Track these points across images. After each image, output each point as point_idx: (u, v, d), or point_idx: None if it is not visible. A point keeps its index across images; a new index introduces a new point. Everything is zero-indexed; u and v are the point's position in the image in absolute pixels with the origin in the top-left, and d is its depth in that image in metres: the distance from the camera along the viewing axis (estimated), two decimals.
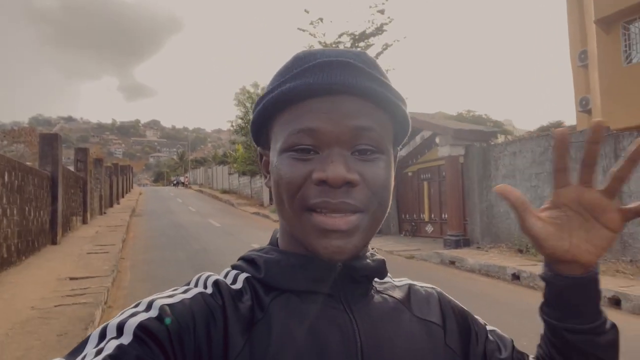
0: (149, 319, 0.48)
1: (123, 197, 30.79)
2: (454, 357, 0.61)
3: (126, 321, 0.47)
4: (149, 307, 0.50)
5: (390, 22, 19.74)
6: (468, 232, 11.35)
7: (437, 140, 11.70)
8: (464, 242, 10.97)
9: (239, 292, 0.56)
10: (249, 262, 0.60)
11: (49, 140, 10.90)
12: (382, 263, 0.61)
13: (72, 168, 15.46)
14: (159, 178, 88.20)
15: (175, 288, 0.55)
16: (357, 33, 19.34)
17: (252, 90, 29.98)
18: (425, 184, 14.12)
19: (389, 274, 0.65)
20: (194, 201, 29.67)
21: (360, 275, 0.58)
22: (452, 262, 9.13)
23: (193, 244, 11.79)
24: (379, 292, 0.62)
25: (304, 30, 19.69)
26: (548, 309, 0.60)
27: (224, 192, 35.55)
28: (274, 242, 0.62)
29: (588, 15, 13.53)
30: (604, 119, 7.09)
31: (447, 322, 0.63)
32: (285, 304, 0.55)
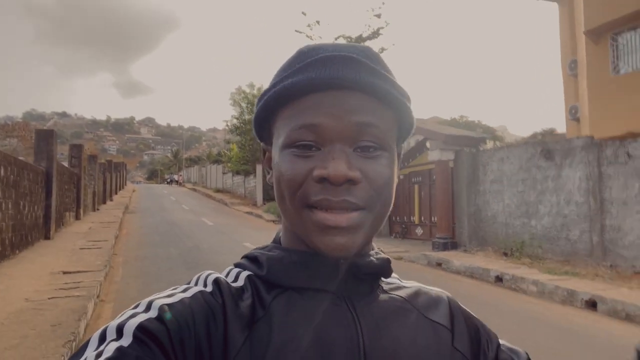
0: (148, 319, 0.48)
1: (116, 194, 30.81)
2: (464, 356, 0.60)
3: (125, 322, 0.48)
4: (148, 307, 0.50)
5: (386, 26, 20.02)
6: (456, 235, 11.57)
7: (428, 144, 11.93)
8: (451, 244, 11.19)
9: (240, 290, 0.55)
10: (251, 260, 0.60)
11: (44, 136, 11.01)
12: (387, 262, 0.60)
13: (65, 164, 15.55)
14: (153, 176, 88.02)
15: (174, 287, 0.55)
16: (353, 36, 19.59)
17: (247, 90, 30.16)
18: (416, 187, 14.34)
19: (397, 276, 0.65)
20: (188, 199, 29.75)
21: (364, 273, 0.57)
22: (439, 264, 9.34)
23: (186, 242, 11.92)
24: (385, 291, 0.61)
25: (300, 32, 19.93)
26: None
27: (218, 191, 35.63)
28: (277, 240, 0.62)
29: (578, 26, 13.83)
30: (593, 128, 7.39)
31: (456, 325, 0.62)
32: (287, 301, 0.54)
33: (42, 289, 6.02)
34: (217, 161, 40.88)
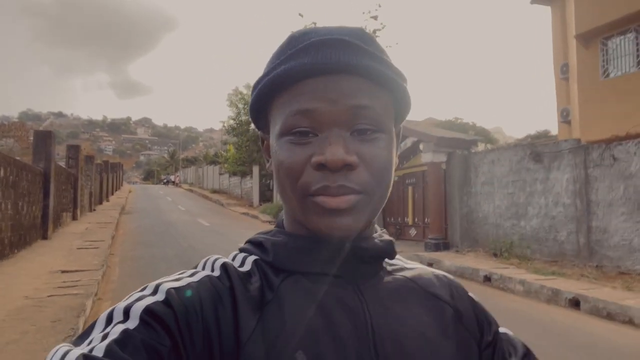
0: (155, 302, 0.48)
1: (113, 194, 30.89)
2: (467, 337, 0.61)
3: (132, 305, 0.48)
4: (155, 290, 0.50)
5: (382, 28, 20.23)
6: (449, 236, 11.77)
7: (421, 147, 12.13)
8: (443, 245, 11.38)
9: (248, 274, 0.56)
10: (256, 245, 0.60)
11: (42, 137, 11.15)
12: (391, 244, 0.60)
13: (62, 164, 15.66)
14: (149, 176, 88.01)
15: (182, 271, 0.56)
16: None
17: (244, 91, 30.29)
18: (410, 188, 14.53)
19: (400, 257, 0.65)
20: (184, 200, 29.86)
21: (368, 255, 0.57)
22: (430, 264, 9.52)
23: (182, 242, 12.06)
24: (388, 272, 0.61)
25: None
26: None
27: (214, 191, 35.75)
28: (280, 224, 0.62)
29: (570, 30, 14.08)
30: (583, 131, 7.61)
31: (459, 304, 0.63)
32: (294, 285, 0.55)
33: (41, 287, 6.17)
34: (213, 162, 41.00)
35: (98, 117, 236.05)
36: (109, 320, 0.48)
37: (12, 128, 38.20)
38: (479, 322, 0.63)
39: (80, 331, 4.01)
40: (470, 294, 0.67)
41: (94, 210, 20.33)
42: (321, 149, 0.51)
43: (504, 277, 7.59)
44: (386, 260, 0.61)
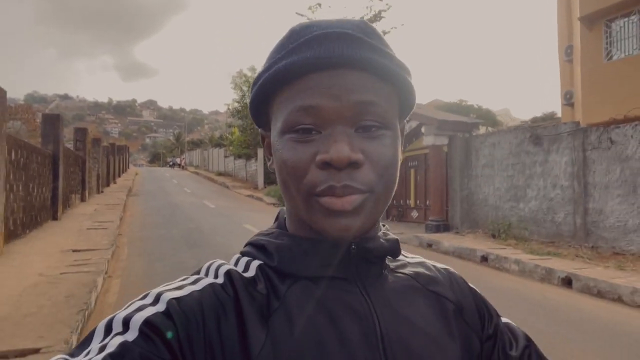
0: (155, 313, 0.47)
1: (119, 176, 31.26)
2: (469, 332, 0.61)
3: (132, 316, 0.47)
4: (156, 300, 0.49)
5: (388, 8, 20.12)
6: (449, 218, 11.97)
7: (423, 130, 12.25)
8: (444, 227, 11.59)
9: (253, 280, 0.54)
10: (259, 248, 0.58)
11: (51, 120, 11.37)
12: (396, 242, 0.60)
13: (69, 146, 15.92)
14: (155, 159, 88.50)
15: (184, 277, 0.55)
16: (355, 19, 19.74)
17: (249, 74, 30.33)
18: (412, 171, 14.69)
19: (403, 252, 0.64)
20: (190, 182, 30.18)
21: (374, 256, 0.57)
22: (430, 245, 9.76)
23: (188, 223, 12.34)
24: (392, 270, 0.61)
25: (302, 15, 20.05)
26: None
27: (220, 174, 36.04)
28: (281, 224, 0.61)
29: (574, 11, 13.99)
30: (586, 113, 7.79)
31: (461, 299, 0.63)
32: (301, 291, 0.54)
33: (54, 265, 6.46)
34: (219, 145, 41.22)
35: (104, 99, 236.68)
36: (108, 330, 0.47)
37: (18, 110, 38.49)
38: (480, 314, 0.63)
39: (91, 306, 4.29)
40: (470, 285, 0.66)
41: (102, 192, 20.68)
42: (326, 147, 0.49)
43: (500, 257, 7.81)
44: (389, 257, 0.61)
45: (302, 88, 0.51)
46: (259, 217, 13.96)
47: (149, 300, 0.50)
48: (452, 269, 0.68)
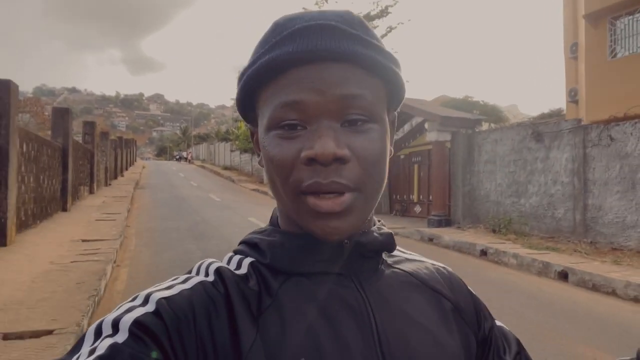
0: (145, 314, 0.47)
1: (127, 169, 31.59)
2: (467, 331, 0.60)
3: (122, 317, 0.47)
4: (145, 300, 0.49)
5: (395, 4, 20.11)
6: (451, 213, 12.10)
7: (426, 126, 12.37)
8: (445, 222, 11.73)
9: (244, 277, 0.54)
10: (251, 246, 0.58)
11: (60, 113, 11.61)
12: (390, 236, 0.59)
13: (77, 139, 16.18)
14: (162, 152, 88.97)
15: (175, 277, 0.54)
16: (361, 15, 19.76)
17: None
18: (416, 166, 14.81)
19: (399, 248, 0.64)
20: (196, 176, 30.45)
21: (369, 250, 0.56)
22: (431, 239, 9.91)
23: (194, 216, 12.56)
24: (389, 265, 0.60)
25: (308, 10, 20.13)
26: None
27: (226, 168, 36.31)
28: (274, 222, 0.60)
29: (579, 9, 14.00)
30: (590, 110, 7.95)
31: (459, 298, 0.62)
32: (294, 287, 0.53)
33: (65, 254, 6.68)
34: (225, 139, 41.43)
35: (111, 92, 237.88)
36: (98, 333, 0.46)
37: (27, 103, 38.90)
38: (478, 316, 0.63)
39: (101, 292, 4.53)
40: (469, 288, 0.66)
41: (110, 184, 20.96)
42: (310, 143, 0.48)
43: (499, 251, 7.95)
44: (386, 252, 0.60)
45: (286, 83, 0.50)
46: (264, 210, 14.15)
47: (138, 301, 0.49)
48: (450, 269, 0.67)
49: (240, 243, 0.60)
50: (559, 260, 7.13)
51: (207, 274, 0.54)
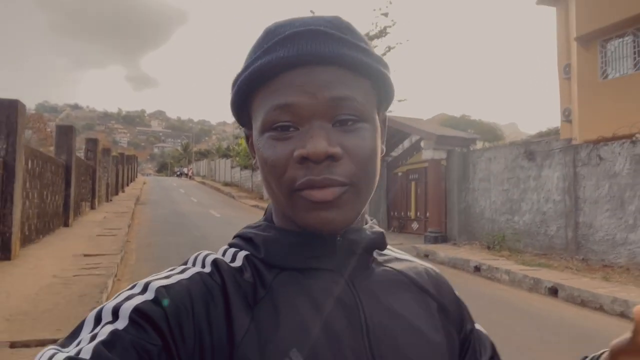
0: (144, 301, 0.48)
1: (128, 185, 31.81)
2: (451, 331, 0.62)
3: (122, 305, 0.47)
4: (145, 289, 0.50)
5: (393, 25, 20.54)
6: (447, 230, 12.27)
7: (422, 144, 12.63)
8: (442, 238, 11.90)
9: (239, 269, 0.55)
10: (246, 240, 0.60)
11: (64, 131, 11.88)
12: (382, 235, 0.61)
13: (79, 154, 16.44)
14: (163, 168, 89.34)
15: (172, 268, 0.55)
16: None
17: None
18: (413, 183, 15.03)
19: (391, 247, 0.66)
20: (196, 192, 30.65)
21: (360, 247, 0.58)
22: (426, 255, 10.08)
23: (194, 231, 12.73)
24: (379, 263, 0.62)
25: None
26: None
27: (226, 184, 36.55)
28: (269, 218, 0.62)
29: (572, 31, 14.40)
30: (582, 130, 8.28)
31: (444, 298, 0.64)
32: (288, 280, 0.54)
33: (67, 268, 6.86)
34: (225, 155, 41.79)
35: (113, 109, 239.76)
36: (98, 320, 0.47)
37: (30, 120, 39.29)
38: (460, 317, 0.65)
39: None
40: (455, 290, 0.68)
41: (111, 200, 21.16)
42: (303, 142, 0.50)
43: (492, 268, 8.12)
44: (377, 251, 0.62)
45: (277, 87, 0.52)
46: None
47: (137, 289, 0.50)
48: (437, 270, 0.69)
49: (235, 237, 0.62)
50: (550, 276, 7.29)
51: (203, 265, 0.55)
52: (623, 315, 5.79)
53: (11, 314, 4.51)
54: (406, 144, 15.61)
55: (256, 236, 0.59)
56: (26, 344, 3.73)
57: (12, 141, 7.20)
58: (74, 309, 4.76)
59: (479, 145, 12.98)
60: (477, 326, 0.69)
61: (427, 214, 13.99)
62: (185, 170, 58.45)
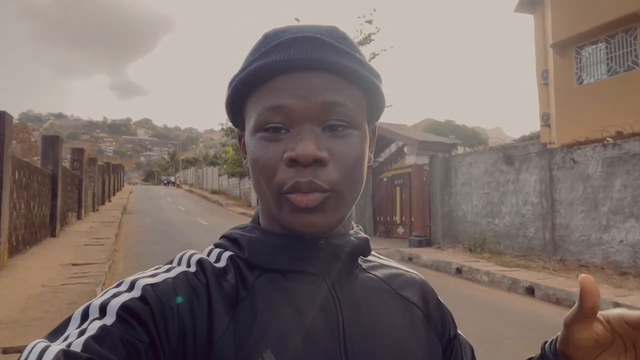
0: (131, 299, 0.48)
1: (114, 195, 31.63)
2: (434, 339, 0.63)
3: (109, 302, 0.48)
4: (131, 287, 0.50)
5: (377, 32, 20.88)
6: (432, 234, 12.53)
7: (406, 150, 12.91)
8: (426, 242, 12.15)
9: (223, 270, 0.56)
10: (231, 241, 0.60)
11: (50, 141, 11.93)
12: (366, 241, 0.62)
13: (65, 164, 16.41)
14: (150, 177, 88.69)
15: (158, 267, 0.56)
16: None
17: None
18: (398, 188, 15.29)
19: (375, 253, 0.67)
20: (184, 200, 30.62)
21: (343, 252, 0.58)
22: (410, 259, 10.31)
23: (181, 240, 12.80)
24: (364, 270, 0.62)
25: None
26: None
27: (214, 192, 36.52)
28: (256, 220, 0.63)
29: (549, 38, 14.85)
30: (559, 134, 8.65)
31: (429, 306, 0.65)
32: (269, 282, 0.55)
33: (55, 277, 6.94)
34: (213, 163, 41.76)
35: (98, 118, 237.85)
36: (85, 316, 0.48)
37: (13, 130, 38.73)
38: (444, 324, 0.66)
39: None
40: (439, 297, 0.68)
41: (97, 210, 21.09)
42: (293, 145, 0.51)
43: (472, 269, 8.37)
44: (362, 257, 0.62)
45: (272, 89, 0.54)
46: None
47: (124, 287, 0.51)
48: (422, 277, 0.70)
49: (222, 237, 0.63)
50: (527, 276, 7.56)
51: (189, 265, 0.56)
52: None
53: (2, 322, 4.62)
54: (393, 147, 15.90)
55: (242, 237, 0.60)
56: (18, 350, 3.85)
57: None
58: (64, 316, 4.74)
59: (461, 150, 13.30)
60: (460, 333, 0.70)
61: (412, 219, 14.26)
62: (172, 178, 58.19)
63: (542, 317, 5.98)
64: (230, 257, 0.58)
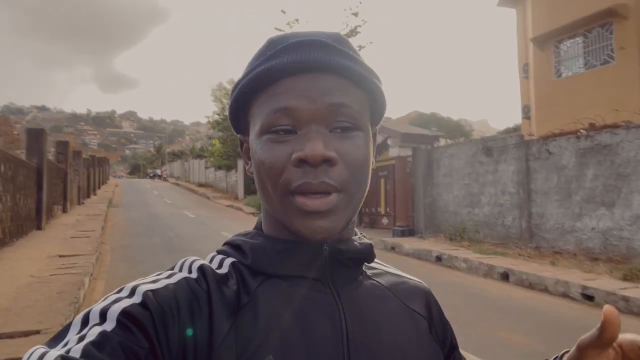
0: (132, 305, 0.48)
1: (99, 188, 31.46)
2: (436, 350, 0.62)
3: (109, 307, 0.48)
4: (132, 292, 0.50)
5: (364, 24, 21.01)
6: (414, 224, 12.83)
7: (389, 142, 13.16)
8: (408, 232, 12.45)
9: (225, 276, 0.56)
10: (234, 247, 0.60)
11: (35, 134, 11.93)
12: (370, 247, 0.61)
13: (50, 158, 16.36)
14: (135, 170, 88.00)
15: (159, 273, 0.56)
16: None
17: (228, 87, 31.07)
18: (382, 180, 15.56)
19: (379, 261, 0.67)
20: (170, 193, 30.57)
21: (347, 258, 0.58)
22: (393, 248, 10.60)
23: (167, 232, 12.92)
24: (368, 277, 0.62)
25: (280, 30, 20.92)
26: None
27: (200, 185, 36.49)
28: (258, 227, 0.63)
29: (529, 32, 15.17)
30: (539, 126, 9.00)
31: (432, 316, 0.65)
32: (272, 288, 0.55)
33: (44, 269, 7.06)
34: (199, 156, 41.68)
35: (82, 110, 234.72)
36: (85, 322, 0.48)
37: None
38: (445, 335, 0.66)
39: (80, 300, 5.03)
40: (439, 305, 0.69)
41: (83, 203, 21.03)
42: (301, 145, 0.52)
43: (451, 257, 8.68)
44: (366, 264, 0.62)
45: (279, 91, 0.54)
46: (237, 225, 14.58)
47: (124, 293, 0.51)
48: (425, 285, 0.69)
49: (225, 244, 0.62)
50: (503, 263, 7.88)
51: (190, 271, 0.55)
52: (565, 295, 6.38)
53: None
54: (378, 140, 16.08)
55: (244, 243, 0.59)
56: (10, 336, 4.01)
57: None
58: (54, 304, 5.03)
59: (443, 142, 13.59)
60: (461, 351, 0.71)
61: (396, 210, 14.55)
62: (158, 171, 57.89)
63: (514, 300, 6.28)
64: (233, 263, 0.58)
